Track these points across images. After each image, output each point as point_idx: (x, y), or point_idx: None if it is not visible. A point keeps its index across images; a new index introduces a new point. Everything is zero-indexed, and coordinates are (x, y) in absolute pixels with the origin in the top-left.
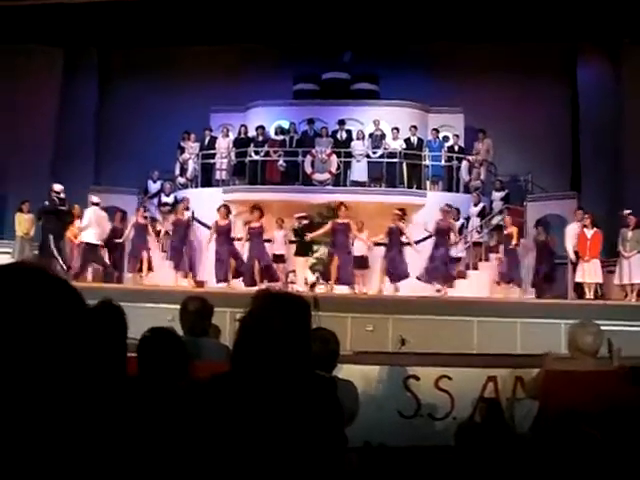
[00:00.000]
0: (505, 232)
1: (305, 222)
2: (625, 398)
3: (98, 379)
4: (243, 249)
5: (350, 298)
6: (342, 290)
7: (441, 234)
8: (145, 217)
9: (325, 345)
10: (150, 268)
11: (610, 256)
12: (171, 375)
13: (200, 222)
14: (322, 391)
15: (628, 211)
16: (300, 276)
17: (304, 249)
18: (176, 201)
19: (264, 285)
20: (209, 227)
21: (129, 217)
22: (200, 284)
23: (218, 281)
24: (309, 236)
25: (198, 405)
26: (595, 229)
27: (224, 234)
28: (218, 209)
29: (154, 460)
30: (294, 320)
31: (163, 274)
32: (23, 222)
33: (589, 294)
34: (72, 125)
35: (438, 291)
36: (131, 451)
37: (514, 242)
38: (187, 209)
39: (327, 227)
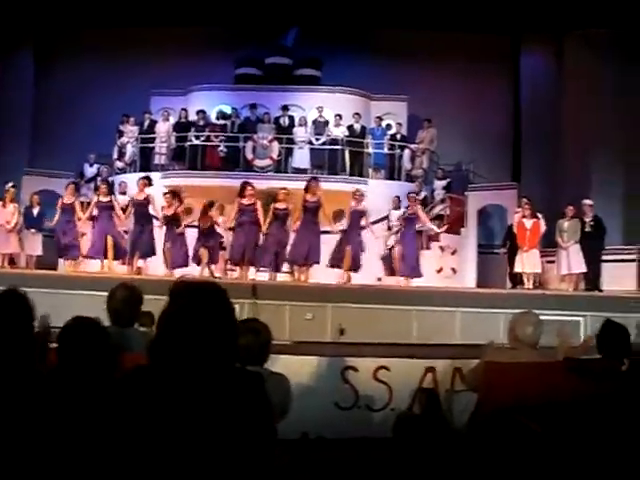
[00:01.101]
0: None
1: None
2: (567, 390)
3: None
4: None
5: (289, 286)
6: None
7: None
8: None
9: (256, 337)
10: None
11: (549, 246)
12: (92, 367)
13: None
14: (246, 385)
15: (589, 201)
16: None
17: None
18: (113, 186)
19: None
20: None
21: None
22: (138, 271)
23: (174, 267)
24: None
25: (118, 397)
26: (534, 219)
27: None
28: (164, 194)
29: (69, 454)
30: (212, 309)
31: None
32: None
33: (528, 284)
34: (7, 108)
35: (379, 279)
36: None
37: None
38: (123, 193)
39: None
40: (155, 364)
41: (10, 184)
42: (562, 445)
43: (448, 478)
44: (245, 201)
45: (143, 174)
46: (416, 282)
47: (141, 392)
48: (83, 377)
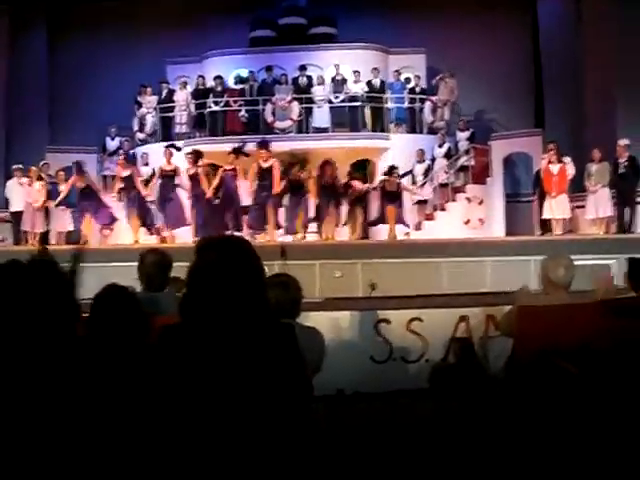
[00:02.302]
0: None
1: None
2: (604, 330)
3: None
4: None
5: (318, 245)
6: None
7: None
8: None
9: (286, 291)
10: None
11: (577, 191)
12: (125, 333)
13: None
14: (280, 338)
15: (624, 142)
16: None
17: None
18: (135, 157)
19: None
20: None
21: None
22: (164, 240)
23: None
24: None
25: (151, 359)
26: (561, 164)
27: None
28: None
29: (107, 419)
30: (239, 261)
31: (128, 232)
32: None
33: (557, 230)
34: (24, 85)
35: (407, 234)
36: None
37: None
38: (146, 164)
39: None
40: (185, 321)
41: (42, 162)
42: (600, 386)
43: (487, 424)
44: (263, 163)
45: (165, 144)
46: (445, 234)
47: (175, 350)
48: (117, 343)
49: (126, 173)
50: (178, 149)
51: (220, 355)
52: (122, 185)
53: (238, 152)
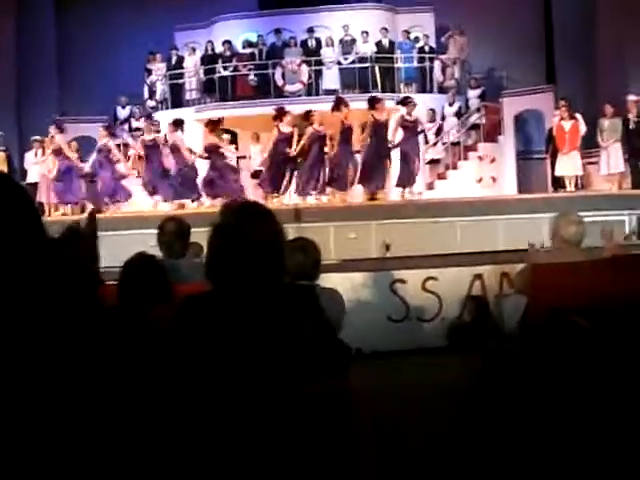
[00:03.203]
0: None
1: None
2: (616, 286)
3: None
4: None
5: (331, 207)
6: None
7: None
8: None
9: (305, 254)
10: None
11: (589, 147)
12: (153, 301)
13: None
14: (305, 301)
15: (633, 97)
16: None
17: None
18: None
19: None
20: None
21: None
22: (180, 206)
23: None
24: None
25: (178, 328)
26: (573, 120)
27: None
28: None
29: (137, 389)
30: (265, 228)
31: (144, 200)
32: None
33: (570, 186)
34: (32, 56)
35: (419, 194)
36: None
37: None
38: (157, 132)
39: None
40: (212, 286)
41: (52, 133)
42: (612, 341)
43: (503, 379)
44: (284, 128)
45: (177, 110)
46: (457, 193)
47: (201, 320)
48: (144, 311)
49: (150, 137)
50: (181, 122)
51: (248, 322)
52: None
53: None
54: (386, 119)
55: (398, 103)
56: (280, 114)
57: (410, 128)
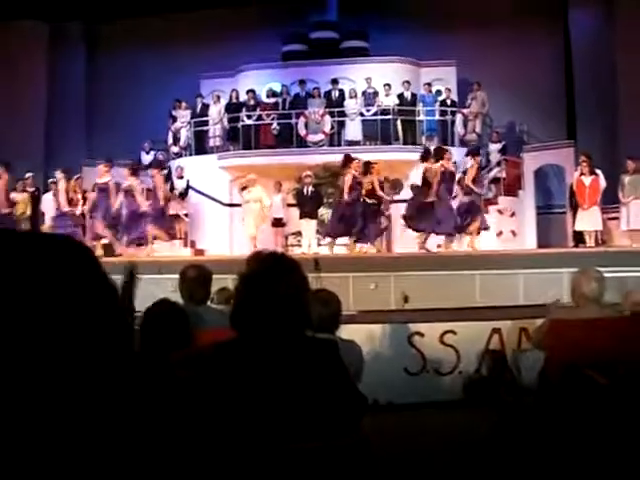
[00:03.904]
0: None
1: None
2: (634, 344)
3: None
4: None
5: (351, 258)
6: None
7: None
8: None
9: (326, 306)
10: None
11: (610, 203)
12: (174, 346)
13: (196, 190)
14: (326, 353)
15: None
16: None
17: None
18: (170, 171)
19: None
20: (206, 195)
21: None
22: (200, 252)
23: None
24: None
25: (203, 375)
26: (593, 176)
27: None
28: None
29: (165, 434)
30: (292, 280)
31: (162, 245)
32: (19, 202)
33: (590, 242)
34: (62, 100)
35: (439, 246)
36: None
37: None
38: (181, 177)
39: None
40: (237, 334)
41: (76, 177)
42: (629, 398)
43: (519, 434)
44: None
45: (200, 157)
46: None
47: (226, 365)
48: (165, 356)
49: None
50: (138, 168)
51: (269, 374)
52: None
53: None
54: (454, 169)
55: (435, 156)
56: (349, 161)
57: (449, 178)
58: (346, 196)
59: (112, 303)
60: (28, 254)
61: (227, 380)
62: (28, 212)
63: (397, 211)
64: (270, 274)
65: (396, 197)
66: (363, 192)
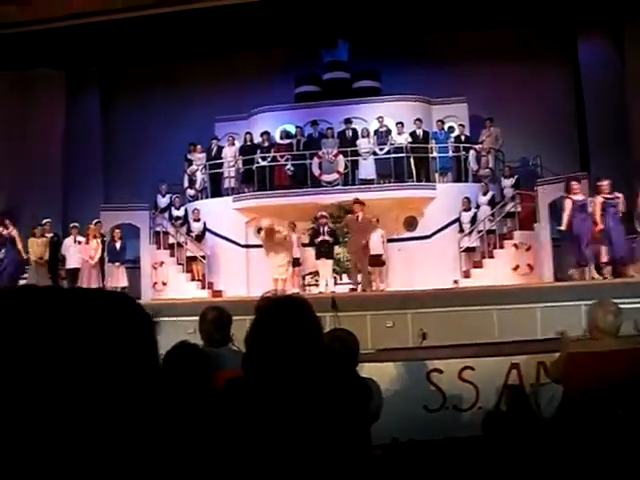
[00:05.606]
0: None
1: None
2: None
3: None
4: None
5: (367, 296)
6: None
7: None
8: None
9: (344, 345)
10: None
11: (627, 233)
12: (194, 389)
13: (212, 232)
14: (344, 389)
15: None
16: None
17: (327, 251)
18: (186, 214)
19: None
20: (222, 237)
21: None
22: (218, 294)
23: None
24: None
25: (216, 412)
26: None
27: None
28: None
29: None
30: (302, 323)
31: (180, 287)
32: (36, 247)
33: (607, 274)
34: (79, 145)
35: (455, 282)
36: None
37: None
38: (197, 220)
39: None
40: (248, 376)
41: (95, 221)
42: None
43: (539, 470)
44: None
45: (216, 199)
46: (493, 281)
47: (239, 401)
48: (186, 399)
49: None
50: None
51: (281, 409)
52: None
53: None
54: (584, 199)
55: None
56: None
57: None
58: None
59: (156, 361)
60: (90, 312)
61: (235, 413)
62: (46, 257)
63: (412, 248)
64: (276, 319)
65: (411, 234)
66: None
